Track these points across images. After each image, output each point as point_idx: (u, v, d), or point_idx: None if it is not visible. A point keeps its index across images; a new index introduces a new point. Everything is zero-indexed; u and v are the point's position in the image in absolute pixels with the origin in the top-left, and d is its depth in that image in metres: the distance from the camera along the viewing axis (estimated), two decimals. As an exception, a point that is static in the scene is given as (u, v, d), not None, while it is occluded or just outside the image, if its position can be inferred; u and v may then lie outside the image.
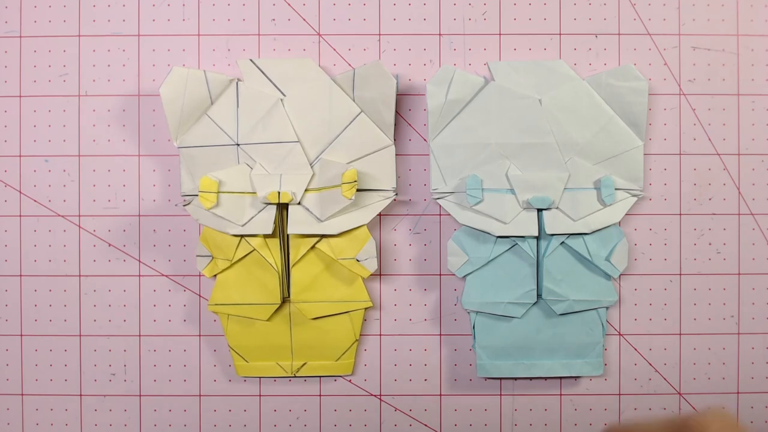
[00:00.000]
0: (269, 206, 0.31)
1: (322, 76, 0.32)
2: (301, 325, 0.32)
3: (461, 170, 0.32)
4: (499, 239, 0.31)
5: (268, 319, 0.32)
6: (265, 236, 0.31)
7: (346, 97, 0.31)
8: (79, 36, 0.33)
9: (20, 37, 0.33)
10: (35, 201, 0.33)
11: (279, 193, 0.31)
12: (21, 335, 0.33)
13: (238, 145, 0.31)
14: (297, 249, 0.31)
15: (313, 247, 0.32)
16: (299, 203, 0.31)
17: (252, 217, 0.31)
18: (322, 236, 0.32)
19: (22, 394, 0.33)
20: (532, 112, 0.31)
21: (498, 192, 0.31)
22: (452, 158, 0.32)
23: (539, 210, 0.31)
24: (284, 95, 0.32)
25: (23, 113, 0.33)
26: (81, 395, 0.33)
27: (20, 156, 0.33)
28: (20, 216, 0.33)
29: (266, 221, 0.31)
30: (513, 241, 0.31)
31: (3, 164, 0.33)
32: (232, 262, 0.32)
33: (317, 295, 0.32)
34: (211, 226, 0.31)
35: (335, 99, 0.31)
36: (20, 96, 0.33)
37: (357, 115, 0.31)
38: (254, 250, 0.31)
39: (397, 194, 0.32)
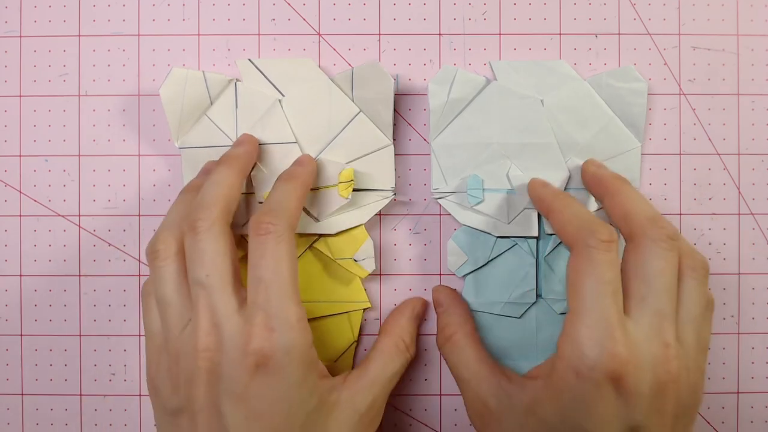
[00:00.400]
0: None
1: (321, 76, 0.32)
2: (301, 325, 0.32)
3: (462, 170, 0.32)
4: (499, 239, 0.31)
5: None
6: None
7: (345, 97, 0.31)
8: (79, 36, 0.33)
9: (20, 37, 0.33)
10: (35, 201, 0.33)
11: (278, 193, 0.31)
12: (21, 335, 0.33)
13: (237, 145, 0.31)
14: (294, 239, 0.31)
15: (310, 246, 0.32)
16: (298, 203, 0.31)
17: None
18: (320, 236, 0.32)
19: (22, 394, 0.33)
20: (534, 112, 0.31)
21: (499, 192, 0.31)
22: (453, 158, 0.32)
23: (539, 210, 0.31)
24: (283, 95, 0.32)
25: (23, 113, 0.33)
26: (81, 395, 0.33)
27: (20, 156, 0.33)
28: (20, 216, 0.33)
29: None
30: (513, 241, 0.31)
31: (3, 164, 0.33)
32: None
33: (315, 295, 0.32)
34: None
35: (334, 99, 0.31)
36: (20, 96, 0.33)
37: (356, 115, 0.31)
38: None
39: (396, 194, 0.32)
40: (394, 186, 0.32)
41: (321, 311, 0.32)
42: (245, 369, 0.24)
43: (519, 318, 0.32)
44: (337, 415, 0.26)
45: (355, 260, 0.31)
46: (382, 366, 0.28)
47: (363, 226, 0.32)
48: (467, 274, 0.32)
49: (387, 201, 0.31)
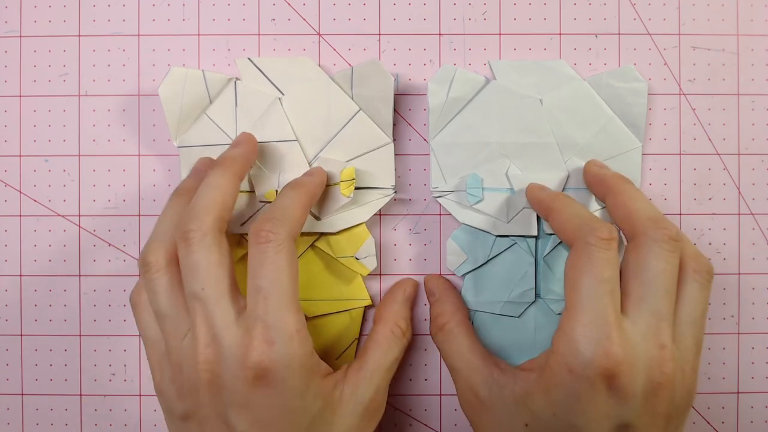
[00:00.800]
0: (267, 205, 0.31)
1: (321, 74, 0.32)
2: (301, 325, 0.32)
3: (461, 169, 0.32)
4: (498, 238, 0.31)
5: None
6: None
7: (345, 96, 0.31)
8: (79, 36, 0.33)
9: (20, 37, 0.33)
10: (35, 201, 0.33)
11: (277, 191, 0.31)
12: (21, 335, 0.33)
13: (237, 144, 0.31)
14: (296, 247, 0.31)
15: (312, 245, 0.32)
16: (298, 202, 0.31)
17: (251, 216, 0.31)
18: (321, 234, 0.32)
19: (22, 394, 0.33)
20: (533, 111, 0.31)
21: (498, 191, 0.31)
22: (452, 157, 0.32)
23: (539, 209, 0.31)
24: (282, 94, 0.32)
25: (23, 113, 0.33)
26: (81, 395, 0.33)
27: (20, 156, 0.33)
28: (20, 216, 0.33)
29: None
30: (512, 240, 0.31)
31: (3, 164, 0.33)
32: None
33: (317, 293, 0.32)
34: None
35: (334, 97, 0.31)
36: (20, 96, 0.33)
37: (356, 113, 0.31)
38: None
39: (396, 192, 0.32)
40: (394, 184, 0.32)
41: (322, 309, 0.32)
42: (245, 381, 0.24)
43: (518, 317, 0.32)
44: (342, 412, 0.26)
45: (356, 258, 0.31)
46: (381, 355, 0.28)
47: (364, 224, 0.32)
48: (466, 273, 0.32)
49: (387, 199, 0.31)
